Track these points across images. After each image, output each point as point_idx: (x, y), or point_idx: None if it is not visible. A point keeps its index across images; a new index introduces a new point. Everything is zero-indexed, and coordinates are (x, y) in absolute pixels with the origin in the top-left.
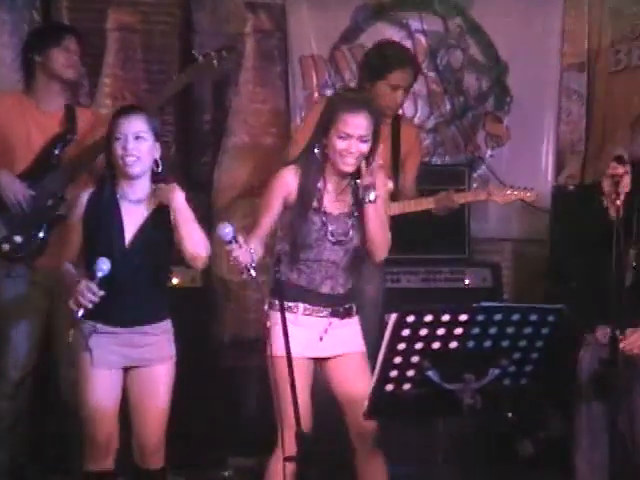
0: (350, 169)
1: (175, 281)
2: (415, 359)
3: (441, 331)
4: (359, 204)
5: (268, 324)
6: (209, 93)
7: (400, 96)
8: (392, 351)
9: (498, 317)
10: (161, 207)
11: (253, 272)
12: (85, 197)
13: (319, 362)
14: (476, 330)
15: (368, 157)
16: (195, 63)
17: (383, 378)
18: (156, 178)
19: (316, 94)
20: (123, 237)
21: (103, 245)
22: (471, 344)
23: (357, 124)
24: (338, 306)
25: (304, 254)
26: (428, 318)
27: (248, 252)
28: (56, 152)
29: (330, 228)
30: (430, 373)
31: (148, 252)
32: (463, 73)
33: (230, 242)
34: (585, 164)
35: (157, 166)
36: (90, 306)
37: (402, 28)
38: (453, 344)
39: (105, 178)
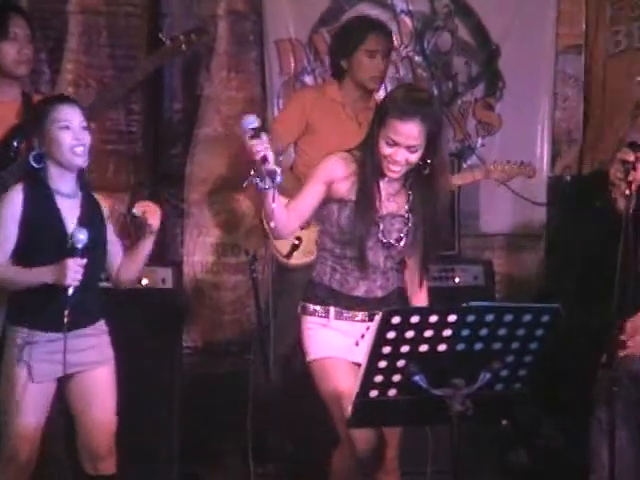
0: (394, 176)
1: (144, 282)
2: (401, 363)
3: (428, 333)
4: (418, 206)
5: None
6: (179, 80)
7: (380, 62)
8: (376, 355)
9: (489, 318)
10: (90, 201)
11: (271, 165)
12: (19, 195)
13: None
14: (466, 332)
15: (421, 167)
16: (162, 47)
17: (367, 384)
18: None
19: (295, 81)
20: (66, 234)
21: (44, 244)
22: (461, 347)
23: (407, 133)
24: (375, 309)
25: (347, 252)
26: (414, 319)
27: (269, 148)
28: (14, 144)
29: (381, 228)
30: (417, 378)
31: (90, 251)
32: (451, 57)
33: (253, 136)
34: (583, 153)
35: None
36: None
37: (386, 9)
38: (441, 347)
39: (35, 171)
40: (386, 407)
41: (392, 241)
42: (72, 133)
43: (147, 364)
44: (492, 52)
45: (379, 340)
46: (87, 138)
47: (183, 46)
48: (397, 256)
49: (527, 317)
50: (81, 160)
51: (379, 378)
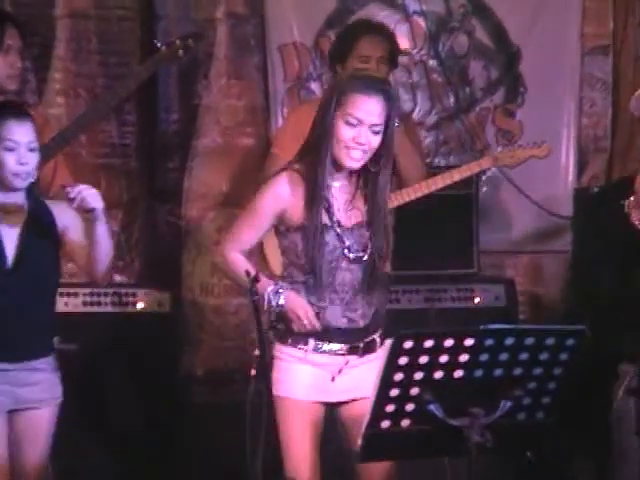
0: (356, 165)
1: (140, 306)
2: (414, 391)
3: (444, 358)
4: (375, 210)
5: (256, 352)
6: (175, 89)
7: (373, 68)
8: (388, 382)
9: (509, 341)
10: (33, 216)
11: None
12: None
13: (330, 408)
14: (484, 357)
15: (379, 159)
16: (157, 54)
17: (378, 414)
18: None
19: (300, 88)
20: (5, 257)
21: None
22: (479, 373)
23: (371, 109)
24: (357, 341)
25: (315, 282)
26: (429, 343)
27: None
28: None
29: (347, 244)
30: (432, 407)
31: (35, 272)
32: (469, 60)
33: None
34: (611, 163)
35: None
36: None
37: (397, 10)
38: (458, 373)
39: None
40: (399, 439)
41: (361, 254)
42: (16, 155)
43: (140, 396)
44: (512, 55)
45: (390, 366)
46: (34, 160)
47: (180, 52)
48: (375, 270)
49: (550, 340)
50: (23, 183)
51: (391, 407)
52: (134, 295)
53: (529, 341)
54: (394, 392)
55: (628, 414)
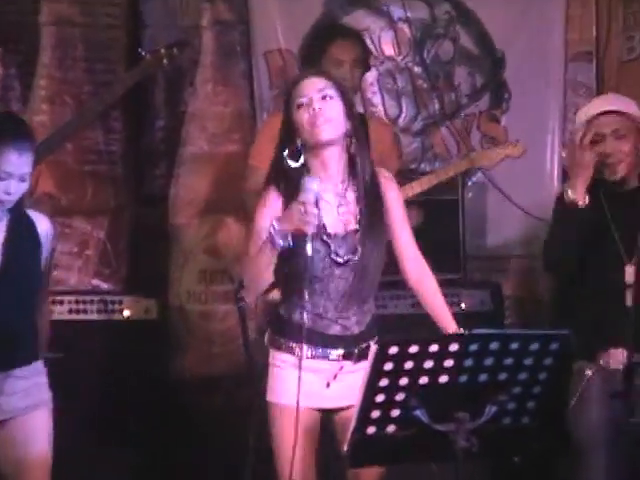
0: (326, 136)
1: (127, 313)
2: (400, 397)
3: (429, 364)
4: (371, 213)
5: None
6: (162, 96)
7: (347, 72)
8: (373, 388)
9: (494, 346)
10: (19, 222)
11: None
12: None
13: (327, 413)
14: (469, 362)
15: (352, 139)
16: (142, 62)
17: (364, 420)
18: None
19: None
20: None
21: None
22: (464, 378)
23: (312, 86)
24: (352, 347)
25: (309, 288)
26: (414, 349)
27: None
28: None
29: (334, 249)
30: (417, 412)
31: (19, 276)
32: (453, 67)
33: (316, 204)
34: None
35: None
36: None
37: (382, 16)
38: (443, 378)
39: None
40: (385, 444)
41: (350, 256)
42: (5, 185)
43: (128, 404)
44: (497, 61)
45: (376, 372)
46: (22, 189)
47: (164, 60)
48: (367, 273)
49: (535, 345)
50: (3, 209)
51: (376, 413)
52: (120, 302)
53: (514, 346)
54: (379, 398)
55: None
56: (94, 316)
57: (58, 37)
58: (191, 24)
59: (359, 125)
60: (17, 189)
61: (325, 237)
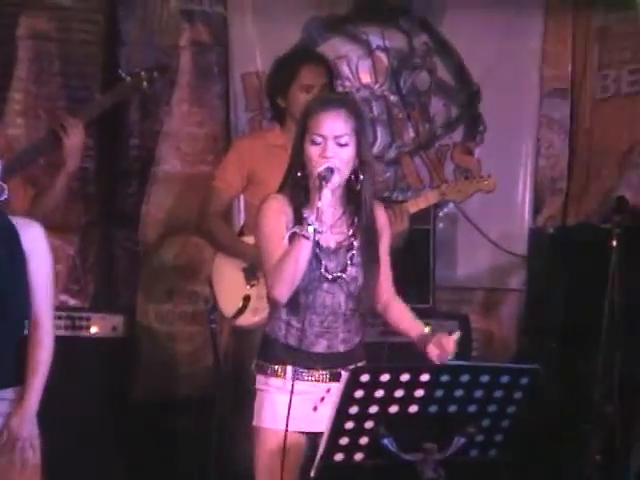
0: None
1: (93, 330)
2: (369, 425)
3: (399, 393)
4: (366, 234)
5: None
6: (137, 114)
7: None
8: (343, 415)
9: (465, 378)
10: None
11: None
12: None
13: (314, 437)
14: (439, 392)
15: (358, 175)
16: (120, 84)
17: (332, 446)
18: None
19: (262, 118)
20: None
21: None
22: (433, 408)
23: (331, 124)
24: (338, 367)
25: (295, 302)
26: (384, 378)
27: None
28: None
29: (324, 263)
30: (386, 441)
31: None
32: (429, 97)
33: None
34: (567, 204)
35: None
36: None
37: (361, 45)
38: (413, 408)
39: None
40: (352, 472)
41: (340, 274)
42: None
43: (90, 423)
44: (473, 94)
45: (346, 399)
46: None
47: (144, 84)
48: (359, 294)
49: (505, 378)
50: None
51: (345, 440)
52: (88, 319)
53: (484, 379)
54: (349, 425)
55: None
56: (61, 332)
57: (35, 51)
58: (169, 44)
59: (368, 161)
60: None
61: (317, 250)
